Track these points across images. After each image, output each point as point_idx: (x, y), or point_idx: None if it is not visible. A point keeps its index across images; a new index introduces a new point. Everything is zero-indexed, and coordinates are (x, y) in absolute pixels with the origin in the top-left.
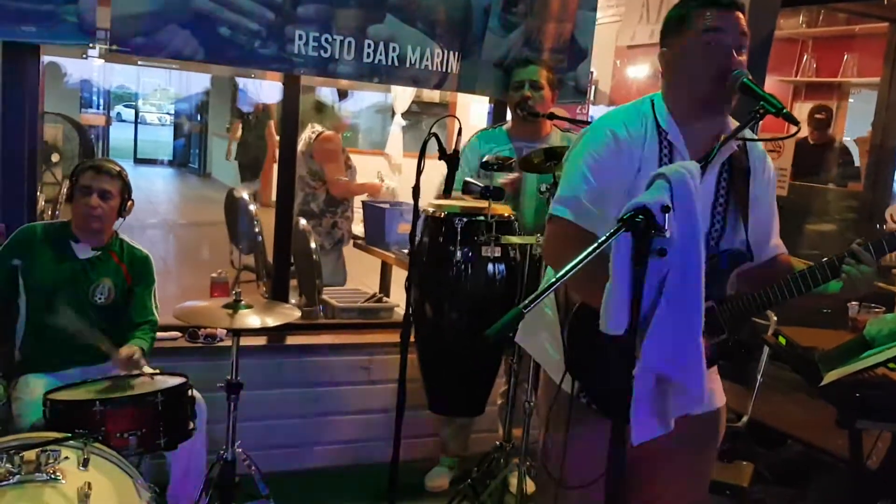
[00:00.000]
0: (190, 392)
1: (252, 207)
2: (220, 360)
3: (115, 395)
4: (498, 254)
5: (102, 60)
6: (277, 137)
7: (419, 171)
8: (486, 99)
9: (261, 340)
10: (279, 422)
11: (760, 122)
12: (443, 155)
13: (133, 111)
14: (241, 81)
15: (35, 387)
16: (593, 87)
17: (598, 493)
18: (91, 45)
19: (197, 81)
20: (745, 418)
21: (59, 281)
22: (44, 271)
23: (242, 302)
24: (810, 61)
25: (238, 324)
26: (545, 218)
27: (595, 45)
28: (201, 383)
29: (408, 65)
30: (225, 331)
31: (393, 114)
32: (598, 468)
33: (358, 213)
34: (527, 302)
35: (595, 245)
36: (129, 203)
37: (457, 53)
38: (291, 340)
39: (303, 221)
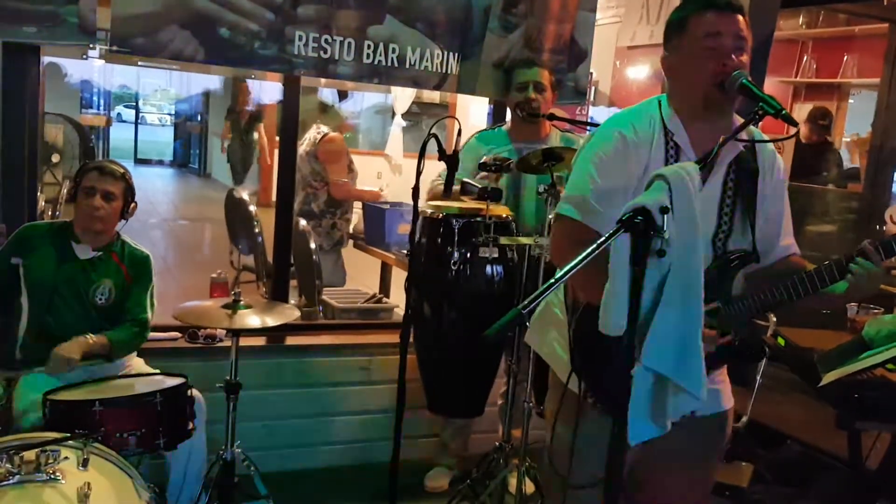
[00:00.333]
0: (189, 392)
1: (252, 208)
2: (219, 360)
3: (115, 395)
4: (496, 255)
5: (103, 61)
6: (266, 139)
7: (419, 172)
8: (486, 100)
9: (260, 341)
10: (278, 422)
11: (760, 123)
12: (442, 155)
13: (133, 112)
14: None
15: (35, 387)
16: (593, 88)
17: None
18: (91, 45)
19: (197, 82)
20: (744, 419)
21: (59, 281)
22: (44, 271)
23: (242, 302)
24: (810, 62)
25: (238, 324)
26: (544, 218)
27: (595, 45)
28: (201, 383)
29: (407, 66)
30: (224, 331)
31: (393, 114)
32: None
33: (358, 213)
34: (526, 302)
35: (594, 245)
36: (133, 205)
37: (457, 54)
38: (291, 341)
39: (303, 222)
